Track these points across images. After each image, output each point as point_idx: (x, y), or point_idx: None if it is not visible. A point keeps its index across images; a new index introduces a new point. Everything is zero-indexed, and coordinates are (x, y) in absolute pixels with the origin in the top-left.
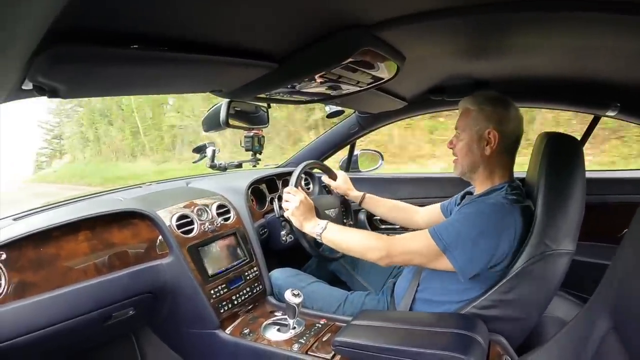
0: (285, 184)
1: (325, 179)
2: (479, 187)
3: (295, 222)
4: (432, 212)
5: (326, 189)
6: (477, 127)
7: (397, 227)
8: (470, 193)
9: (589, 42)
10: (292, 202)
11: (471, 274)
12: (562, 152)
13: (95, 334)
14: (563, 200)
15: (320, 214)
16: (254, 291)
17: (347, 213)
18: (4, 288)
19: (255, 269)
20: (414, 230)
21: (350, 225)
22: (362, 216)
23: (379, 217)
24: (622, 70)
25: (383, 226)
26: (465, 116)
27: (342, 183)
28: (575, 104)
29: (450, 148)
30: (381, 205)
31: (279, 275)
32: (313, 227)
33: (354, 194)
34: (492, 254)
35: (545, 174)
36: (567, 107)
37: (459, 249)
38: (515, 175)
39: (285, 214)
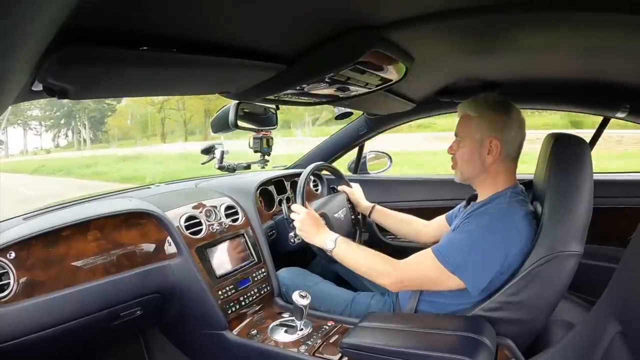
0: (294, 185)
1: (341, 188)
2: (482, 193)
3: (306, 238)
4: (438, 225)
5: (332, 188)
6: (478, 135)
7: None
8: (475, 197)
9: (599, 43)
10: (297, 219)
11: (482, 287)
12: (569, 153)
13: (103, 333)
14: (570, 201)
15: (330, 220)
16: (262, 292)
17: (354, 208)
18: (12, 287)
19: (263, 270)
20: (421, 243)
21: (357, 221)
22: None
23: None
24: (632, 71)
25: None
26: (466, 123)
27: (354, 191)
28: (584, 105)
29: (451, 154)
30: (389, 218)
31: (286, 274)
32: (324, 241)
33: (365, 204)
34: (501, 264)
35: (552, 176)
36: (576, 108)
37: (469, 268)
38: (524, 177)
39: (297, 232)
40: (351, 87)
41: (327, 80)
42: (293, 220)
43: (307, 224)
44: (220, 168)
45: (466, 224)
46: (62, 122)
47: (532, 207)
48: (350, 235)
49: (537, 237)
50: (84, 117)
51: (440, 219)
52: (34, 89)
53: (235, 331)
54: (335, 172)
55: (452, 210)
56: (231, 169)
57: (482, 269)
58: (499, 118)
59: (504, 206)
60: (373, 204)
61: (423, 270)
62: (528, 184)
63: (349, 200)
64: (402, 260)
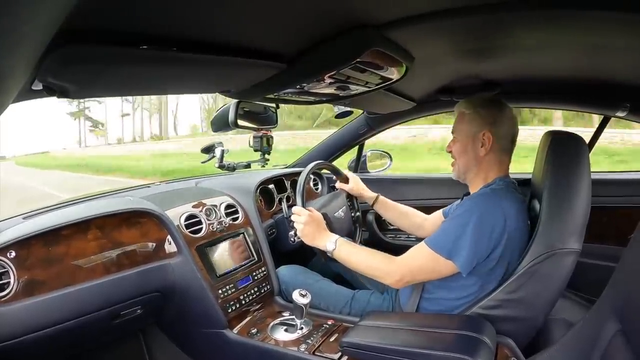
0: (294, 184)
1: (338, 184)
2: (474, 187)
3: (307, 241)
4: (436, 219)
5: (332, 187)
6: (472, 130)
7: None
8: (469, 194)
9: (599, 41)
10: (298, 222)
11: (471, 267)
12: (566, 151)
13: (103, 332)
14: (568, 199)
15: (330, 220)
16: (262, 291)
17: (353, 204)
18: (12, 286)
19: (263, 269)
20: (421, 237)
21: (357, 219)
22: (370, 217)
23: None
24: (632, 70)
25: (391, 227)
26: (461, 120)
27: (354, 185)
28: (584, 104)
29: (449, 151)
30: (391, 210)
31: (286, 272)
32: (325, 243)
33: (368, 194)
34: (488, 240)
35: (550, 173)
36: (577, 107)
37: (461, 250)
38: (523, 176)
39: (298, 234)
40: (351, 86)
41: (327, 79)
42: (293, 221)
43: (308, 226)
44: (221, 167)
45: (454, 212)
46: None
47: (522, 196)
48: (351, 233)
49: (535, 234)
50: None
51: (438, 214)
52: (34, 88)
53: (235, 330)
54: (332, 168)
55: (449, 206)
56: (231, 168)
57: (472, 248)
58: (491, 112)
59: (488, 190)
60: (377, 194)
61: (420, 261)
62: (526, 182)
63: (348, 197)
64: (399, 257)
